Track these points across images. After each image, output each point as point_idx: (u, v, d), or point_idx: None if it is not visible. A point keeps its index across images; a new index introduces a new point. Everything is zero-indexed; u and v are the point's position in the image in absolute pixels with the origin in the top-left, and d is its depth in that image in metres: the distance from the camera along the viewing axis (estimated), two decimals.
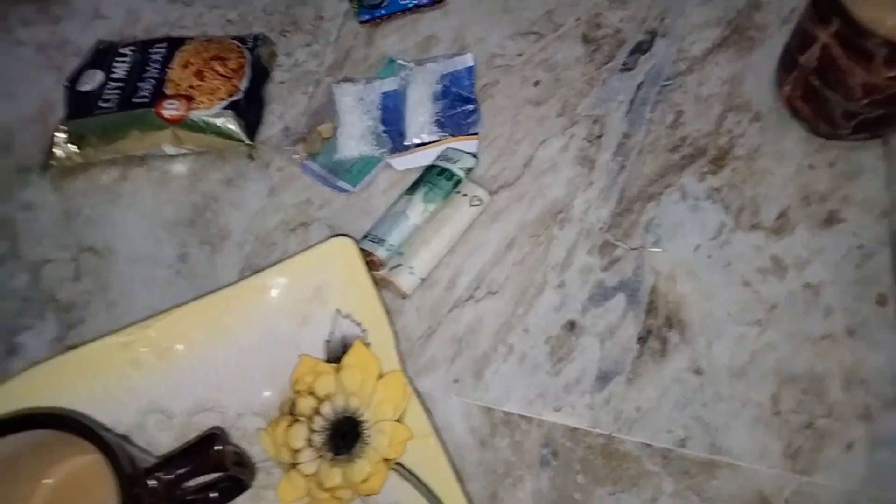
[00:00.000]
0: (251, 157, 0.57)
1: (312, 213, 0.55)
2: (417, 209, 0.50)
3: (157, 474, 0.35)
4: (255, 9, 0.66)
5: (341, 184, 0.55)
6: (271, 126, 0.59)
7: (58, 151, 0.55)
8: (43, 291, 0.52)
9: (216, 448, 0.36)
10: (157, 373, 0.45)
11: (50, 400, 0.44)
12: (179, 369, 0.46)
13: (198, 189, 0.56)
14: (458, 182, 0.52)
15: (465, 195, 0.53)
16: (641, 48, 0.62)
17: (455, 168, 0.53)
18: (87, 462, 0.38)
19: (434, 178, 0.52)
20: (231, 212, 0.55)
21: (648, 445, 0.46)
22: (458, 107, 0.57)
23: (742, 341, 0.48)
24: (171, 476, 0.35)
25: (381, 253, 0.49)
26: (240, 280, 0.48)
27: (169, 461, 0.36)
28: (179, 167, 0.57)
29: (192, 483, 0.36)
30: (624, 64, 0.61)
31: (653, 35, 0.63)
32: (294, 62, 0.63)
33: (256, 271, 0.52)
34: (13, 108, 0.61)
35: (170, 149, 0.56)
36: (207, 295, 0.47)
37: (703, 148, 0.56)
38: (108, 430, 0.42)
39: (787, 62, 0.55)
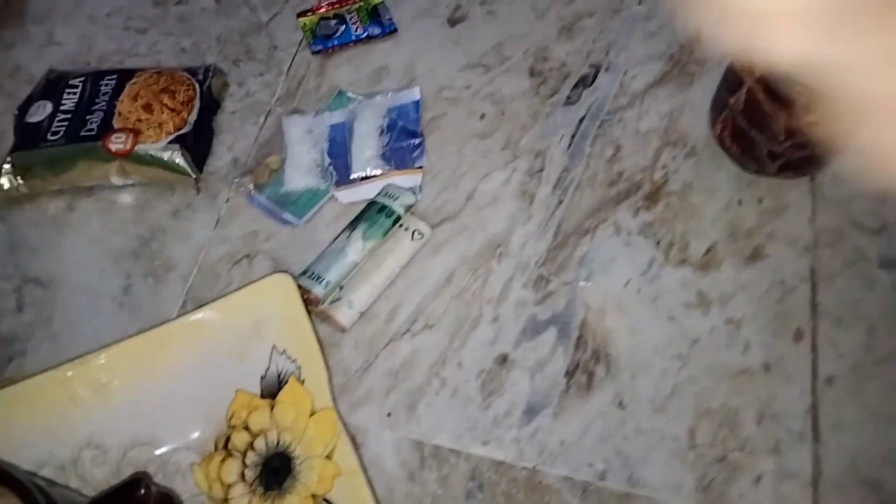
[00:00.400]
0: (198, 189, 0.58)
1: (258, 245, 0.56)
2: (356, 247, 0.52)
3: None
4: (210, 37, 0.67)
5: (287, 216, 0.57)
6: (220, 157, 0.60)
7: (4, 182, 0.56)
8: None
9: (141, 492, 0.37)
10: (94, 408, 0.47)
11: None
12: (116, 405, 0.47)
13: (145, 219, 0.57)
14: (398, 219, 0.54)
15: (406, 228, 0.54)
16: (585, 82, 0.64)
17: (395, 205, 0.54)
18: None
19: (374, 215, 0.54)
20: (177, 243, 0.56)
21: (569, 479, 0.47)
22: (404, 140, 0.59)
23: (665, 375, 0.50)
24: None
25: (318, 291, 0.50)
26: (177, 317, 0.49)
27: None
28: (127, 198, 0.58)
29: None
30: (567, 98, 0.63)
31: (597, 69, 0.65)
32: (246, 92, 0.64)
33: (199, 305, 0.53)
34: None
35: (117, 180, 0.57)
36: (145, 332, 0.48)
37: (638, 182, 0.58)
38: (32, 473, 0.43)
39: (719, 102, 0.57)
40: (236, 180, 0.58)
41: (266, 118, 0.63)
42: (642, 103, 0.62)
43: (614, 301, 0.53)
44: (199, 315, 0.49)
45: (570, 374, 0.50)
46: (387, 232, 0.53)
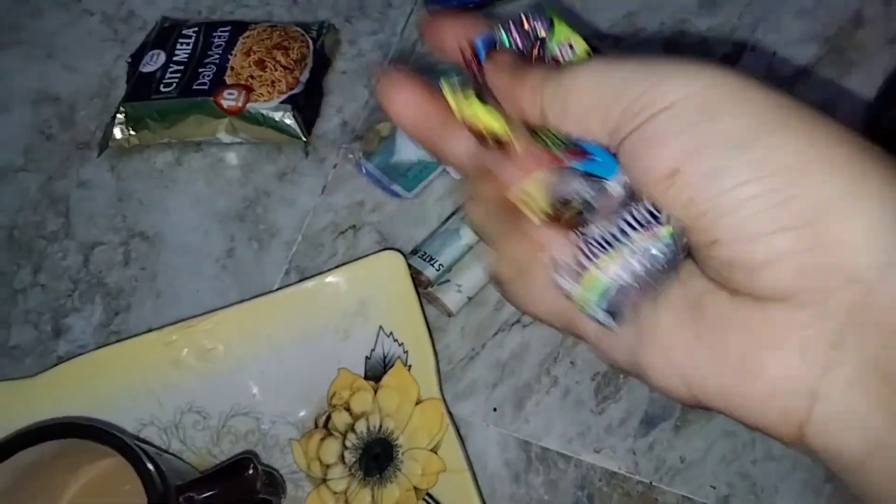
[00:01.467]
0: (306, 153, 0.56)
1: (363, 217, 0.54)
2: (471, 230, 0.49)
3: (190, 494, 0.35)
4: None
5: (396, 188, 0.54)
6: (329, 119, 0.58)
7: (116, 133, 0.55)
8: (92, 274, 0.53)
9: (249, 473, 0.36)
10: (196, 373, 0.46)
11: (90, 390, 0.45)
12: (219, 372, 0.46)
13: (250, 181, 0.56)
14: None
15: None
16: (728, 61, 0.58)
17: None
18: (116, 464, 0.39)
19: None
20: (281, 208, 0.55)
21: (689, 499, 0.44)
22: None
23: None
24: (202, 497, 0.35)
25: (429, 273, 0.47)
26: (285, 287, 0.48)
27: (201, 482, 0.36)
28: (233, 156, 0.57)
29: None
30: None
31: (742, 48, 0.59)
32: (358, 51, 0.61)
33: (301, 274, 0.52)
34: (76, 80, 0.61)
35: (225, 137, 0.55)
36: (252, 299, 0.47)
37: None
38: (143, 441, 0.42)
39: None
40: (345, 146, 0.56)
41: (377, 81, 0.60)
42: (792, 90, 0.56)
43: None
44: (306, 287, 0.47)
45: None
46: None
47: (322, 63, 0.58)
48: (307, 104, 0.55)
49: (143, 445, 0.36)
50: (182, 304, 0.51)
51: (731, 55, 0.58)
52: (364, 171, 0.55)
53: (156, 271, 0.53)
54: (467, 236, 0.49)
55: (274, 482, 0.39)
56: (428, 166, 0.54)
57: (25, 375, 0.47)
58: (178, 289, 0.52)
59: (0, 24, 0.63)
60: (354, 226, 0.54)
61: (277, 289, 0.50)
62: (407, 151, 0.54)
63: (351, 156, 0.55)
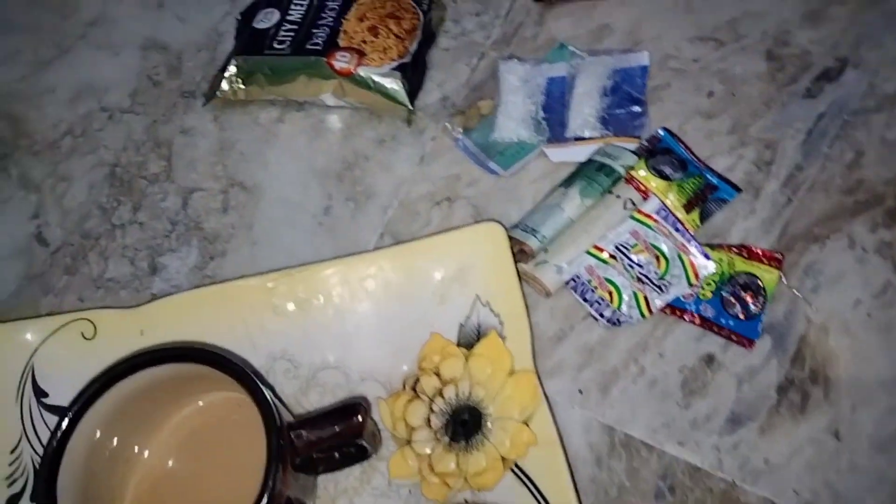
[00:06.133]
0: (409, 122, 0.54)
1: (459, 190, 0.52)
2: (573, 202, 0.47)
3: (300, 431, 0.34)
4: None
5: (492, 165, 0.52)
6: (430, 93, 0.56)
7: (225, 85, 0.54)
8: (190, 218, 0.52)
9: (358, 419, 0.35)
10: (292, 322, 0.44)
11: (189, 328, 0.44)
12: (314, 323, 0.44)
13: (350, 144, 0.54)
14: (618, 180, 0.48)
15: (618, 196, 0.49)
16: (829, 75, 0.56)
17: (616, 165, 0.48)
18: (225, 396, 0.38)
19: (593, 172, 0.48)
20: (379, 173, 0.53)
21: (771, 502, 0.42)
22: (626, 106, 0.53)
23: (891, 414, 0.43)
24: (313, 436, 0.34)
25: (532, 243, 0.45)
26: (388, 246, 0.46)
27: (313, 422, 0.35)
28: (335, 119, 0.55)
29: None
30: (807, 90, 0.55)
31: (843, 63, 0.56)
32: (461, 30, 0.59)
33: (396, 239, 0.50)
34: (184, 31, 0.60)
35: (330, 99, 0.54)
36: (355, 255, 0.46)
37: (881, 196, 0.50)
38: (263, 379, 0.41)
39: None
40: (445, 122, 0.54)
41: (479, 60, 0.58)
42: (893, 110, 0.53)
43: (840, 320, 0.46)
44: (408, 247, 0.45)
45: (782, 391, 0.44)
46: (605, 191, 0.48)
47: (428, 37, 0.57)
48: (414, 75, 0.54)
49: (264, 387, 0.34)
50: (277, 255, 0.50)
51: (832, 70, 0.56)
52: (462, 145, 0.53)
53: (252, 221, 0.51)
54: (570, 209, 0.47)
55: (376, 434, 0.38)
56: (525, 147, 0.53)
57: (122, 306, 0.46)
58: (274, 240, 0.50)
59: None
60: (450, 198, 0.52)
61: (372, 249, 0.48)
62: (507, 131, 0.53)
63: (451, 128, 0.54)
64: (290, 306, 0.44)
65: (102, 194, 0.53)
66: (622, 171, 0.48)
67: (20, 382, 0.42)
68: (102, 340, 0.43)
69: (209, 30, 0.60)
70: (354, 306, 0.44)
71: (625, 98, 0.53)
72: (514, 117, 0.53)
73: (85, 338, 0.43)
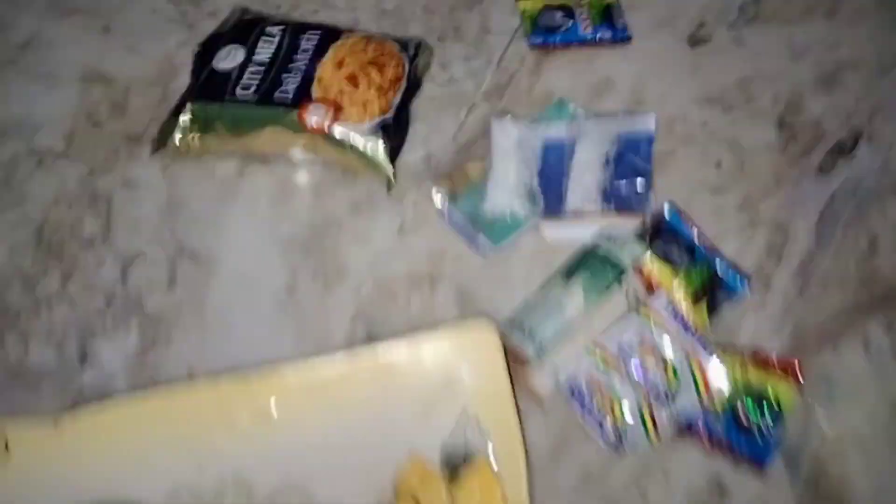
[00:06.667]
0: (389, 188, 0.47)
1: (443, 268, 0.46)
2: (575, 300, 0.41)
3: None
4: (415, 3, 0.56)
5: (481, 240, 0.46)
6: (413, 149, 0.50)
7: (178, 134, 0.46)
8: (130, 293, 0.44)
9: None
10: (248, 437, 0.38)
11: (126, 440, 0.37)
12: (273, 439, 0.38)
13: (320, 207, 0.48)
14: (622, 274, 0.43)
15: (622, 286, 0.44)
16: (842, 149, 0.51)
17: (622, 256, 0.43)
18: None
19: (596, 264, 0.43)
20: (352, 244, 0.47)
21: None
22: (630, 178, 0.47)
23: None
24: None
25: (529, 348, 0.40)
26: (359, 348, 0.40)
27: None
28: (304, 176, 0.48)
29: None
30: (820, 165, 0.51)
31: (857, 136, 0.52)
32: (449, 77, 0.53)
33: (370, 328, 0.44)
34: (134, 63, 0.52)
35: (300, 155, 0.47)
36: (320, 357, 0.39)
37: None
38: None
39: None
40: (429, 185, 0.48)
41: (468, 113, 0.52)
42: None
43: (856, 437, 0.42)
44: (383, 349, 0.39)
45: None
46: (609, 287, 0.42)
47: (413, 86, 0.50)
48: (395, 132, 0.47)
49: None
50: (232, 345, 0.43)
51: (845, 143, 0.52)
52: (447, 215, 0.47)
53: (203, 299, 0.44)
54: (571, 308, 0.41)
55: None
56: (518, 220, 0.47)
57: (44, 409, 0.39)
58: (228, 324, 0.44)
59: None
60: (432, 277, 0.46)
61: (345, 349, 0.42)
62: (498, 201, 0.47)
63: (436, 194, 0.47)
64: (246, 420, 0.38)
65: (26, 259, 0.45)
66: (628, 263, 0.43)
67: None
68: (17, 459, 0.36)
69: (162, 61, 0.52)
70: (322, 418, 0.38)
71: (629, 169, 0.48)
72: (507, 186, 0.47)
73: None
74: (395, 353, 0.39)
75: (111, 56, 0.52)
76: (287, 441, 0.38)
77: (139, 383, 0.41)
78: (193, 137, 0.46)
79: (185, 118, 0.46)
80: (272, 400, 0.38)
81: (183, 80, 0.50)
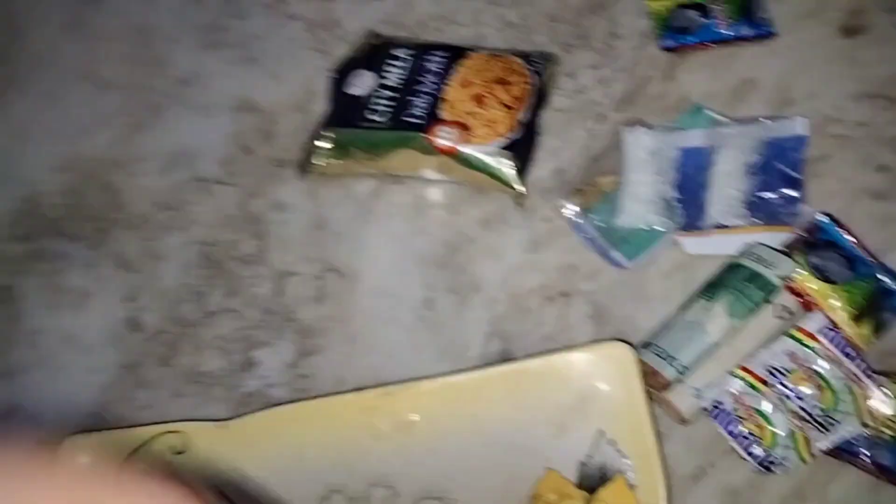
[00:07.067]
0: (520, 204, 0.48)
1: (577, 283, 0.46)
2: (719, 323, 0.40)
3: None
4: (539, 12, 0.56)
5: (615, 255, 0.46)
6: (542, 164, 0.50)
7: (317, 158, 0.50)
8: (284, 307, 0.48)
9: None
10: (392, 446, 0.40)
11: (282, 444, 0.41)
12: (416, 448, 0.40)
13: (453, 224, 0.49)
14: (772, 292, 0.41)
15: (769, 304, 0.41)
16: None
17: (771, 275, 0.41)
18: None
19: (742, 284, 0.41)
20: (485, 260, 0.48)
21: None
22: (778, 188, 0.44)
23: None
24: None
25: (668, 373, 0.39)
26: (496, 364, 0.41)
27: None
28: (436, 194, 0.50)
29: None
30: None
31: None
32: (577, 87, 0.52)
33: (505, 342, 0.44)
34: (277, 90, 0.56)
35: (432, 175, 0.49)
36: (459, 373, 0.41)
37: None
38: None
39: None
40: (559, 200, 0.48)
41: (598, 123, 0.51)
42: None
43: None
44: (520, 368, 0.40)
45: None
46: (757, 307, 0.40)
47: (540, 99, 0.50)
48: (523, 148, 0.48)
49: None
50: (376, 356, 0.46)
51: None
52: (580, 230, 0.47)
53: (350, 313, 0.47)
54: (714, 331, 0.40)
55: None
56: (654, 234, 0.46)
57: (215, 413, 0.44)
58: (372, 336, 0.46)
59: (207, 25, 0.59)
60: (566, 293, 0.46)
61: (482, 365, 0.43)
62: (633, 214, 0.46)
63: (566, 209, 0.47)
64: (391, 429, 0.40)
65: (195, 276, 0.50)
66: (779, 283, 0.40)
67: None
68: (192, 456, 0.41)
69: (302, 87, 0.56)
70: (461, 430, 0.40)
71: (777, 177, 0.45)
72: (642, 198, 0.46)
73: (174, 452, 0.41)
74: (531, 369, 0.40)
75: (257, 85, 0.56)
76: (428, 451, 0.40)
77: (296, 389, 0.45)
78: (332, 161, 0.49)
79: (323, 143, 0.49)
80: (414, 411, 0.40)
81: (320, 105, 0.54)
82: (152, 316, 0.49)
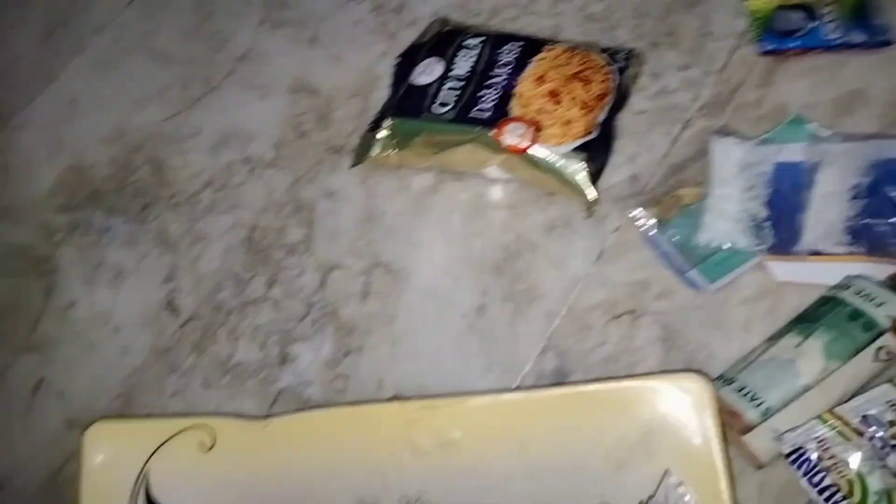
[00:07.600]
0: (590, 213, 0.44)
1: (646, 302, 0.42)
2: (813, 364, 0.35)
3: None
4: (624, 5, 0.52)
5: (693, 275, 0.41)
6: (616, 169, 0.46)
7: (376, 148, 0.47)
8: (327, 301, 0.45)
9: None
10: (430, 462, 0.37)
11: (315, 450, 0.38)
12: (456, 469, 0.37)
13: (514, 227, 0.45)
14: (878, 334, 0.36)
15: (872, 346, 0.36)
16: None
17: (878, 315, 0.36)
18: None
19: (842, 322, 0.36)
20: (547, 268, 0.44)
21: None
22: (887, 215, 0.39)
23: None
24: None
25: (751, 415, 0.35)
26: (551, 386, 0.38)
27: None
28: (499, 194, 0.47)
29: None
30: None
31: None
32: (661, 88, 0.48)
33: (562, 361, 0.41)
34: (338, 73, 0.53)
35: (495, 173, 0.45)
36: (509, 393, 0.37)
37: None
38: None
39: None
40: (634, 210, 0.44)
41: (683, 130, 0.47)
42: None
43: None
44: (580, 392, 0.36)
45: None
46: (857, 349, 0.35)
47: (620, 99, 0.46)
48: (598, 152, 0.44)
49: None
50: (419, 361, 0.42)
51: None
52: (654, 244, 0.43)
53: (396, 312, 0.44)
54: (808, 373, 0.35)
55: None
56: (739, 255, 0.41)
57: (247, 407, 0.42)
58: (417, 339, 0.43)
59: (271, 1, 0.57)
60: (633, 311, 0.42)
61: (535, 385, 0.40)
62: (716, 232, 0.41)
63: (641, 221, 0.43)
64: (431, 445, 0.37)
65: (237, 262, 0.48)
66: (886, 324, 0.36)
67: (134, 490, 0.39)
68: (221, 452, 0.38)
69: (364, 71, 0.53)
70: (507, 455, 0.36)
71: (885, 203, 0.40)
72: (728, 215, 0.42)
73: (203, 448, 0.39)
74: (591, 395, 0.36)
75: (317, 67, 0.54)
76: (468, 472, 0.36)
77: (332, 389, 0.43)
78: (391, 152, 0.46)
79: (383, 133, 0.46)
80: (457, 428, 0.37)
81: (383, 92, 0.51)
82: (189, 299, 0.47)
